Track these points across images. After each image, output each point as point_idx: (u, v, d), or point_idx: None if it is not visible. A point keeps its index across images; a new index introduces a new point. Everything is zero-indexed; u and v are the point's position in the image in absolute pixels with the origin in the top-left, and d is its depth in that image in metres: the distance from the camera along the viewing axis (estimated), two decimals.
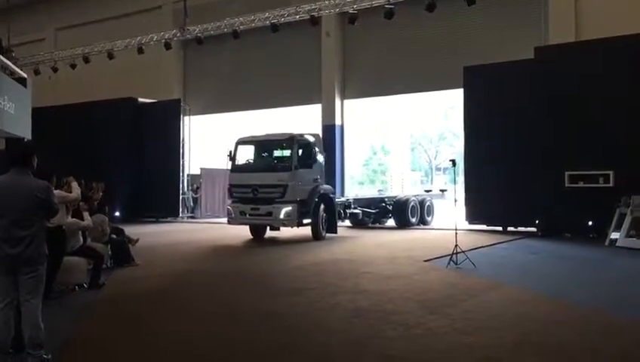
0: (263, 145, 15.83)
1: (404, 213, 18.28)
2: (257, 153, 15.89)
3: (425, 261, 10.94)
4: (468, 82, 16.75)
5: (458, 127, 18.44)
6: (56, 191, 7.36)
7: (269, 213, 14.40)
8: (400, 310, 7.01)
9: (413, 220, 18.50)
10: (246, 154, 15.80)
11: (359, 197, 19.47)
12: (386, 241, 14.49)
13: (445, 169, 44.00)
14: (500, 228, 16.22)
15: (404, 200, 18.56)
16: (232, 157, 15.43)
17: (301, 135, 15.21)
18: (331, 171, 20.79)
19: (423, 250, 12.45)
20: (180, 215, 22.28)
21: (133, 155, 22.31)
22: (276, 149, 15.83)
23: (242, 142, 15.87)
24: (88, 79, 23.14)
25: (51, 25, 27.06)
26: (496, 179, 15.76)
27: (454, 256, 10.27)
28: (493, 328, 6.17)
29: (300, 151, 14.90)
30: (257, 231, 15.64)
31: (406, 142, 42.95)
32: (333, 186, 20.52)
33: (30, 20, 26.06)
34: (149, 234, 16.27)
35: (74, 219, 8.72)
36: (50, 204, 5.00)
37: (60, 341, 5.88)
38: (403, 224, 18.25)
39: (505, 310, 7.02)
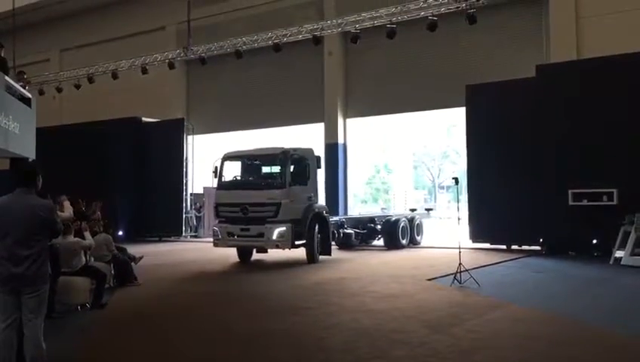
0: (253, 160, 14.84)
1: (394, 233, 17.15)
2: (246, 169, 14.82)
3: (428, 280, 10.89)
4: (470, 100, 16.79)
5: (461, 145, 18.41)
6: None
7: (261, 234, 13.27)
8: (404, 329, 6.96)
9: (404, 241, 17.39)
10: (234, 171, 14.71)
11: (347, 216, 18.75)
12: (388, 261, 14.35)
13: (448, 187, 43.94)
14: (504, 247, 16.13)
15: (394, 220, 17.44)
16: (219, 174, 14.33)
17: (294, 149, 14.10)
18: (334, 189, 20.84)
19: (427, 268, 12.39)
20: (184, 234, 22.25)
21: (136, 174, 22.36)
22: (268, 165, 14.85)
23: (229, 157, 14.74)
24: (92, 99, 23.29)
25: (56, 46, 27.31)
26: (500, 197, 15.71)
27: (458, 274, 10.21)
28: (498, 347, 6.12)
29: (294, 167, 13.84)
30: (244, 253, 14.58)
31: (409, 160, 42.97)
32: (336, 205, 20.58)
33: (35, 41, 26.31)
34: (152, 254, 16.23)
35: (76, 238, 8.73)
36: (53, 224, 4.99)
37: (60, 359, 5.84)
38: (393, 245, 17.10)
39: (509, 329, 6.97)
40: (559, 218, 14.56)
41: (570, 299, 9.19)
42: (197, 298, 9.97)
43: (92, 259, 10.27)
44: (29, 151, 14.38)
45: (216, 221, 14.39)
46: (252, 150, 15.01)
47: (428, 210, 20.09)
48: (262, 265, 14.15)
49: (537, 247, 15.36)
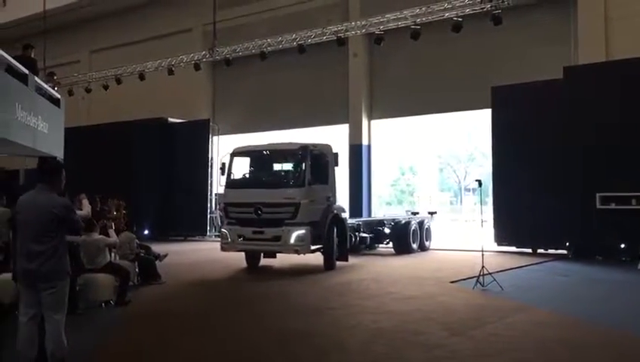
0: (268, 156, 13.66)
1: (405, 237, 16.10)
2: (260, 166, 13.66)
3: (451, 282, 10.81)
4: (496, 102, 16.59)
5: (487, 147, 18.14)
6: None
7: (277, 238, 12.06)
8: (423, 331, 6.92)
9: (414, 246, 16.34)
10: (246, 167, 13.58)
11: (359, 219, 16.99)
12: (407, 264, 14.19)
13: (474, 190, 43.51)
14: (530, 250, 15.90)
15: (405, 223, 16.35)
16: (227, 171, 13.18)
17: (314, 145, 13.02)
18: (358, 191, 20.81)
19: (450, 271, 12.29)
20: (208, 234, 22.43)
21: (162, 174, 22.62)
22: (285, 161, 13.67)
23: (240, 152, 13.58)
24: (120, 100, 23.62)
25: (86, 47, 27.76)
26: (526, 200, 15.49)
27: (481, 277, 10.11)
28: (518, 350, 6.05)
29: (313, 164, 12.58)
30: (253, 257, 13.40)
31: (434, 162, 42.68)
32: (360, 207, 20.54)
33: (66, 43, 26.78)
34: (176, 253, 16.39)
35: (101, 236, 8.88)
36: (68, 222, 5.02)
37: (85, 357, 5.95)
38: (403, 249, 16.06)
39: (532, 333, 6.88)
40: (586, 221, 14.31)
41: (595, 304, 9.03)
42: (219, 297, 10.07)
43: (117, 257, 10.46)
44: (57, 151, 14.66)
45: (225, 222, 13.26)
46: (266, 145, 13.99)
47: (431, 213, 18.62)
48: (277, 270, 13.36)
49: (564, 251, 15.10)
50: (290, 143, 13.70)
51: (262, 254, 13.44)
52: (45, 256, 4.85)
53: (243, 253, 13.40)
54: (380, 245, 16.70)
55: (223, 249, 12.95)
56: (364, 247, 15.72)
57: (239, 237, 12.52)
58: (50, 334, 4.88)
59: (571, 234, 14.78)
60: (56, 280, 4.89)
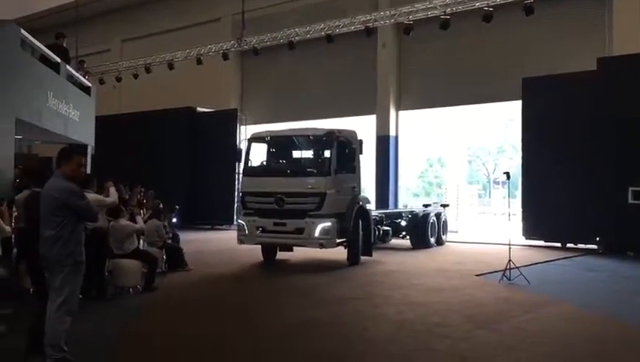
0: (290, 142, 12.76)
1: (422, 230, 15.37)
2: (282, 152, 12.89)
3: (477, 275, 10.70)
4: (526, 94, 16.31)
5: (517, 139, 17.80)
6: (93, 196, 7.71)
7: (299, 230, 11.25)
8: (447, 323, 6.88)
9: (432, 240, 15.70)
10: (265, 154, 12.84)
11: (379, 211, 15.87)
12: (433, 256, 14.11)
13: (504, 183, 42.99)
14: (559, 245, 15.65)
15: (423, 216, 15.58)
16: (245, 158, 12.40)
17: (340, 131, 12.19)
18: (385, 182, 20.72)
19: (476, 264, 12.17)
20: (234, 222, 22.58)
21: (190, 163, 22.83)
22: (308, 148, 12.81)
23: (259, 138, 12.84)
24: (150, 89, 23.87)
25: (118, 36, 28.11)
26: (555, 193, 15.24)
27: (507, 271, 10.00)
28: (544, 345, 5.98)
29: (339, 152, 11.77)
30: (270, 251, 12.63)
31: (463, 154, 42.24)
32: (386, 198, 20.46)
33: (98, 32, 27.16)
34: (203, 241, 16.61)
35: (128, 222, 9.02)
36: (71, 206, 5.04)
37: (110, 341, 6.07)
38: (420, 243, 15.33)
39: (557, 327, 6.79)
40: (618, 216, 14.01)
41: (624, 300, 8.82)
42: (244, 285, 10.15)
43: (145, 244, 10.61)
44: (88, 138, 14.98)
45: (242, 213, 12.24)
46: (288, 130, 13.38)
47: (444, 205, 17.81)
48: (295, 263, 12.66)
49: (594, 246, 14.84)
50: (315, 129, 13.05)
51: (278, 247, 12.59)
52: (53, 240, 4.99)
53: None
54: (393, 239, 15.30)
55: (240, 241, 12.02)
56: (378, 241, 14.21)
57: (258, 229, 11.65)
58: (48, 317, 4.99)
59: (602, 228, 14.49)
60: (63, 265, 4.99)
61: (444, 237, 16.64)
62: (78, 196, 5.14)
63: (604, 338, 6.29)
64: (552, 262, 12.89)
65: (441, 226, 16.40)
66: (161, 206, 11.88)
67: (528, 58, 17.57)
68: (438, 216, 16.26)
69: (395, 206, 20.20)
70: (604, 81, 14.48)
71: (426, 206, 17.22)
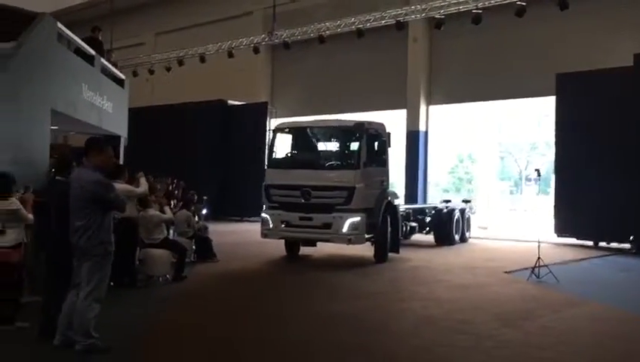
0: (318, 133, 12.47)
1: (447, 227, 15.02)
2: (309, 144, 12.45)
3: (505, 272, 10.61)
4: (561, 90, 16.02)
5: (551, 136, 17.48)
6: (123, 186, 7.88)
7: (327, 225, 10.84)
8: (473, 320, 6.84)
9: (457, 237, 15.33)
10: (290, 146, 12.42)
11: (406, 206, 15.63)
12: (461, 252, 14.00)
13: (536, 179, 42.30)
14: (591, 243, 15.38)
15: (448, 212, 15.25)
16: (270, 149, 12.20)
17: (369, 123, 11.80)
18: (414, 178, 20.62)
19: (504, 261, 12.04)
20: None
21: (221, 155, 23.05)
22: (337, 140, 12.40)
23: (285, 128, 12.54)
24: (182, 81, 24.15)
25: (151, 30, 28.45)
26: (589, 191, 14.95)
27: (536, 269, 9.88)
28: (571, 344, 5.92)
29: (368, 144, 11.39)
30: (293, 246, 12.34)
31: (495, 150, 41.69)
32: (415, 193, 20.35)
33: (132, 25, 27.54)
34: (233, 233, 16.80)
35: (156, 212, 9.19)
36: (99, 197, 5.16)
37: (139, 326, 6.21)
38: (444, 240, 15.02)
39: (586, 327, 6.71)
40: None
41: None
42: (270, 278, 10.25)
43: (175, 234, 10.79)
44: (122, 130, 15.26)
45: (266, 206, 11.80)
46: (315, 121, 13.07)
47: (466, 201, 17.40)
48: (320, 258, 12.36)
49: (627, 245, 14.55)
50: (343, 120, 12.72)
51: (300, 242, 12.25)
52: (82, 230, 5.12)
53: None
54: (414, 235, 14.89)
55: (263, 235, 11.65)
56: (404, 237, 13.87)
57: (282, 223, 11.30)
58: (78, 306, 5.13)
59: (636, 227, 14.19)
60: (92, 255, 5.14)
61: (467, 234, 16.38)
62: (107, 187, 5.27)
63: (632, 338, 6.19)
64: (583, 261, 12.72)
65: (465, 223, 16.11)
66: (196, 197, 12.06)
67: (562, 53, 17.22)
68: (462, 212, 15.98)
69: (424, 201, 20.09)
70: None
71: (446, 202, 16.87)
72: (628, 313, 7.46)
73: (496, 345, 5.81)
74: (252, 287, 9.16)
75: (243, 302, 7.95)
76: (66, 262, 5.27)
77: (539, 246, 10.25)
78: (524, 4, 14.93)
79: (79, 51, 12.23)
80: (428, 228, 15.26)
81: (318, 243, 12.13)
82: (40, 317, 5.48)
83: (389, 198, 12.04)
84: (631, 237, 14.40)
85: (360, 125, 11.43)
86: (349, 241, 10.95)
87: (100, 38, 14.29)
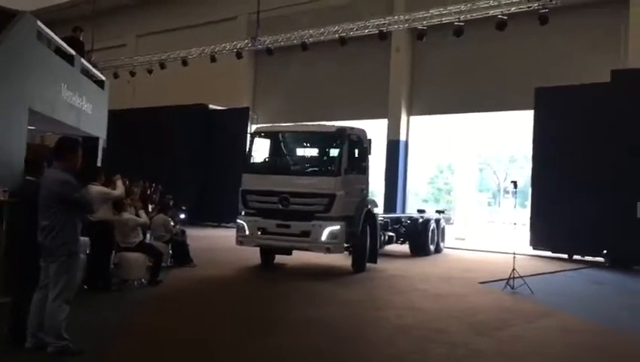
0: (298, 138, 12.27)
1: (423, 237, 14.94)
2: (288, 149, 12.28)
3: (480, 283, 10.69)
4: (539, 104, 16.25)
5: (529, 149, 17.73)
6: (98, 188, 7.89)
7: (305, 233, 10.52)
8: (447, 329, 6.89)
9: (432, 247, 15.33)
10: (269, 150, 12.18)
11: (384, 216, 15.14)
12: (440, 262, 14.11)
13: (513, 192, 42.79)
14: (566, 256, 15.58)
15: (424, 222, 15.17)
16: (247, 153, 11.92)
17: (351, 128, 11.56)
18: (393, 187, 20.71)
19: (480, 272, 12.15)
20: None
21: (201, 160, 22.92)
22: (317, 145, 12.10)
23: (263, 133, 12.26)
24: (163, 85, 24.02)
25: (133, 32, 28.28)
26: (564, 205, 15.16)
27: (511, 280, 9.97)
28: (542, 354, 5.98)
29: (349, 150, 11.13)
30: (268, 254, 11.95)
31: (474, 162, 42.08)
32: (394, 202, 20.43)
33: (114, 27, 27.35)
34: (210, 238, 16.71)
35: (131, 216, 9.11)
36: (64, 197, 5.15)
37: (112, 330, 6.14)
38: (419, 250, 14.94)
39: (558, 338, 6.79)
40: (626, 230, 13.91)
41: (627, 314, 8.77)
42: (246, 284, 10.21)
43: (152, 238, 10.70)
44: (100, 131, 15.05)
45: (242, 212, 11.44)
46: (295, 125, 12.73)
47: (439, 211, 17.39)
48: (296, 267, 12.08)
49: (601, 259, 14.76)
50: (324, 125, 12.43)
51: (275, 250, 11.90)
52: (48, 230, 5.12)
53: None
54: (389, 245, 14.54)
55: (239, 243, 11.29)
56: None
57: (259, 230, 10.96)
58: (48, 308, 5.09)
59: (609, 242, 14.41)
60: (58, 255, 5.11)
61: (442, 244, 16.35)
62: (72, 187, 5.25)
63: (604, 350, 6.28)
64: (557, 273, 12.85)
65: (440, 233, 16.09)
66: (171, 201, 11.98)
67: (542, 68, 17.49)
68: (437, 222, 15.95)
69: (403, 211, 20.19)
70: (617, 93, 14.40)
71: (420, 212, 16.62)
72: (600, 325, 7.56)
73: (469, 353, 5.85)
74: (228, 293, 9.11)
75: (218, 307, 7.91)
76: (34, 263, 5.22)
77: (514, 258, 10.36)
78: (505, 18, 15.13)
79: (59, 51, 12.07)
80: (402, 239, 15.06)
81: (294, 252, 11.74)
82: (9, 319, 5.39)
83: (369, 206, 11.82)
84: (604, 251, 14.64)
85: (342, 130, 11.16)
86: (328, 250, 10.68)
87: (81, 38, 14.14)
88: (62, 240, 5.13)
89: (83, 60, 13.40)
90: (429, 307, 8.23)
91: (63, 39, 12.40)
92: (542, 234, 15.98)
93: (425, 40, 16.94)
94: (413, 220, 15.32)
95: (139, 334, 6.22)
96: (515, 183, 11.21)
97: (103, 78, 15.41)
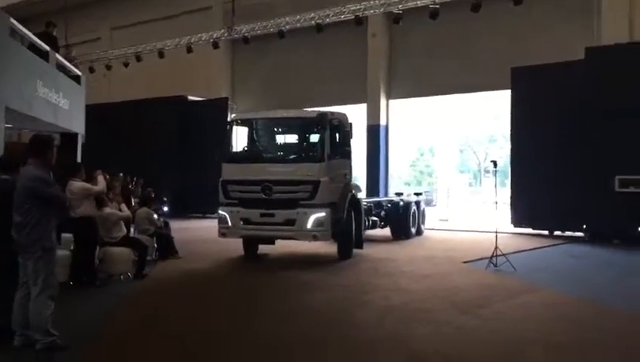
0: (279, 125, 12.02)
1: (404, 220, 14.99)
2: (269, 136, 12.10)
3: (464, 262, 10.86)
4: (515, 83, 16.42)
5: (508, 129, 17.91)
6: (80, 184, 7.89)
7: (290, 221, 10.34)
8: (432, 308, 7.02)
9: (413, 230, 15.37)
10: (250, 139, 11.97)
11: (367, 200, 14.99)
12: (424, 244, 14.28)
13: (494, 171, 43.23)
14: (546, 233, 15.86)
15: (405, 205, 15.13)
16: (226, 142, 11.61)
17: (332, 113, 11.37)
18: (375, 171, 20.84)
19: (464, 251, 12.30)
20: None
21: (181, 152, 22.82)
22: (299, 131, 11.90)
23: (242, 120, 12.08)
24: (140, 77, 23.81)
25: (107, 24, 27.90)
26: (543, 182, 15.40)
27: (494, 258, 10.15)
28: (524, 329, 6.12)
29: (333, 136, 10.97)
30: (251, 244, 11.67)
31: (454, 143, 42.44)
32: (377, 187, 20.57)
33: (87, 20, 26.93)
34: (194, 229, 16.69)
35: (112, 210, 9.11)
36: (36, 192, 5.16)
37: (99, 325, 6.17)
38: (401, 234, 14.94)
39: (539, 312, 6.95)
40: (604, 205, 14.18)
41: (607, 287, 8.98)
42: (232, 274, 10.26)
43: (136, 232, 10.69)
44: (79, 127, 14.96)
45: (223, 203, 11.10)
46: (275, 112, 12.60)
47: (417, 194, 17.37)
48: (280, 255, 11.99)
49: (581, 234, 15.04)
50: (305, 111, 12.30)
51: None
52: (23, 226, 5.14)
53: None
54: (372, 230, 14.34)
55: (221, 234, 11.03)
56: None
57: (242, 220, 10.70)
58: (32, 305, 5.12)
59: (588, 217, 14.69)
60: (33, 252, 5.12)
61: (422, 226, 16.42)
62: (44, 183, 5.25)
63: (585, 323, 6.42)
64: (538, 250, 13.09)
65: (420, 215, 16.16)
66: (153, 194, 11.96)
67: (518, 47, 17.65)
68: (417, 205, 15.99)
69: (386, 195, 20.32)
70: (591, 70, 14.60)
71: (398, 195, 16.61)
72: (580, 299, 7.72)
73: (454, 331, 5.99)
74: (214, 284, 9.15)
75: (204, 298, 7.96)
76: (12, 261, 5.23)
77: (496, 237, 10.54)
78: None
79: (33, 47, 11.95)
80: (383, 223, 14.91)
81: (278, 241, 11.64)
82: None
83: (353, 192, 11.68)
84: (584, 226, 14.93)
85: (323, 115, 10.89)
86: (314, 238, 10.48)
87: (55, 33, 13.99)
88: (36, 236, 5.14)
89: (58, 56, 13.27)
90: (414, 288, 8.36)
91: (36, 35, 12.27)
92: (522, 212, 16.23)
93: (401, 24, 16.99)
94: (394, 203, 15.27)
95: (125, 328, 6.25)
96: (495, 163, 11.37)
97: (79, 73, 15.27)
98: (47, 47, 12.46)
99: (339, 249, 11.27)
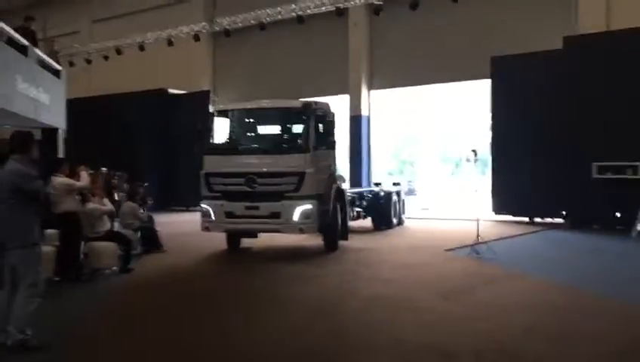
0: (262, 116, 11.73)
1: (386, 211, 15.01)
2: (251, 127, 11.88)
3: (446, 250, 11.02)
4: (495, 72, 16.62)
5: (489, 118, 18.10)
6: (63, 180, 7.90)
7: (275, 214, 10.18)
8: (415, 297, 7.15)
9: (395, 220, 15.41)
10: (232, 130, 11.62)
11: (351, 191, 15.03)
12: (406, 233, 14.46)
13: (475, 160, 43.53)
14: (527, 219, 16.12)
15: (386, 195, 15.12)
16: (208, 134, 11.26)
17: (316, 103, 11.18)
18: (358, 162, 20.95)
19: (446, 240, 12.44)
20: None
21: (163, 145, 22.71)
22: (283, 122, 11.55)
23: (224, 111, 11.86)
24: (121, 71, 23.62)
25: (87, 17, 27.59)
26: (523, 170, 15.65)
27: (476, 246, 10.32)
28: (506, 315, 6.26)
29: (317, 126, 10.77)
30: (235, 237, 11.60)
31: (436, 132, 42.66)
32: (360, 177, 20.68)
33: (66, 13, 26.63)
34: (178, 223, 16.68)
35: (95, 205, 9.11)
36: (17, 188, 5.17)
37: (85, 319, 6.20)
38: (384, 225, 14.93)
39: (521, 299, 7.10)
40: (583, 191, 14.44)
41: (587, 272, 9.21)
42: (217, 267, 10.31)
43: (120, 226, 10.69)
44: (60, 122, 14.85)
45: (206, 197, 10.90)
46: (258, 102, 12.34)
47: (395, 184, 17.22)
48: (264, 248, 11.85)
49: (560, 220, 15.32)
50: (289, 101, 12.13)
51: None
52: (6, 221, 5.15)
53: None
54: (355, 221, 14.30)
55: (205, 228, 10.84)
56: None
57: (226, 214, 10.52)
58: (17, 298, 5.15)
59: (568, 203, 14.97)
60: (16, 248, 5.15)
61: (403, 216, 16.42)
62: (25, 178, 5.25)
63: (566, 308, 6.56)
64: (519, 236, 13.32)
65: (401, 205, 16.20)
66: (142, 189, 11.94)
67: (498, 37, 17.78)
68: (398, 194, 16.00)
69: (369, 185, 20.44)
70: (569, 59, 14.81)
71: (377, 185, 16.59)
72: (560, 285, 7.90)
73: (437, 319, 6.11)
74: (198, 277, 9.17)
75: (190, 291, 8.00)
76: None
77: (478, 225, 10.71)
78: None
79: (12, 42, 11.82)
80: (365, 213, 14.81)
81: (261, 234, 11.50)
82: None
83: (338, 183, 11.59)
84: (564, 213, 15.20)
85: (308, 105, 10.70)
86: (301, 231, 10.34)
87: (33, 27, 13.84)
88: (19, 232, 5.16)
89: (37, 50, 13.15)
90: (398, 277, 8.48)
91: (14, 29, 12.14)
92: (503, 200, 16.48)
93: (381, 14, 17.07)
94: (375, 194, 15.24)
95: (111, 322, 6.29)
96: (475, 151, 11.54)
97: (59, 68, 15.14)
98: (26, 42, 12.33)
99: (325, 241, 11.11)
